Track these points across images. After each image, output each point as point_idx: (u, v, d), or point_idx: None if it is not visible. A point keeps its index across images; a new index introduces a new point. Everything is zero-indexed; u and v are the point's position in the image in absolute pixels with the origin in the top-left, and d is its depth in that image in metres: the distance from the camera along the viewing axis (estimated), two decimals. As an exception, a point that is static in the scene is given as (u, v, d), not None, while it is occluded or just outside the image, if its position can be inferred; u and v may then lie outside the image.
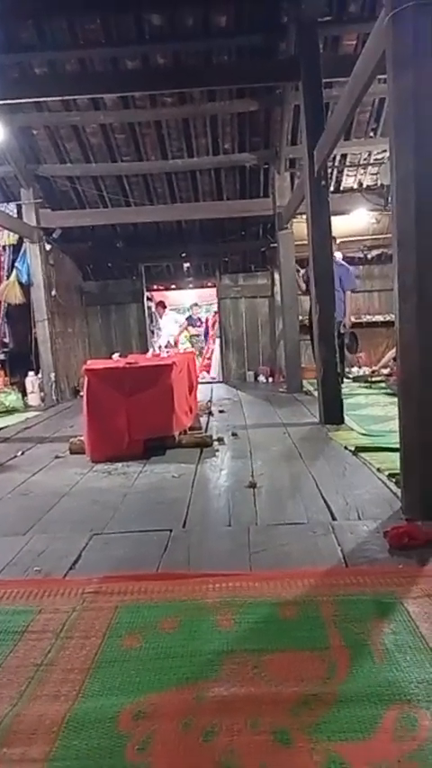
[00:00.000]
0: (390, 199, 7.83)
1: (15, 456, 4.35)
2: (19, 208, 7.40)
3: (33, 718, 1.34)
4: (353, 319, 8.88)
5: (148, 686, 1.44)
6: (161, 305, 10.89)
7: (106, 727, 1.30)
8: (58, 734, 1.28)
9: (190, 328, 11.47)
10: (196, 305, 12.20)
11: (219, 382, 9.62)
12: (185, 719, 1.30)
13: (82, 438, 4.22)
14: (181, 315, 11.99)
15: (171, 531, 2.53)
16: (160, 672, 1.50)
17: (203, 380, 9.00)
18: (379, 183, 7.58)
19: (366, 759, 1.15)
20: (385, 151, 7.26)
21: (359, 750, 1.18)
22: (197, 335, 11.64)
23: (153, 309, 11.26)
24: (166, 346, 9.44)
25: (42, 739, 1.27)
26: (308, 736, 1.23)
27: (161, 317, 10.85)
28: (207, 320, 11.53)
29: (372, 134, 7.04)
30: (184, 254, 9.51)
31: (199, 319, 11.84)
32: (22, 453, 4.44)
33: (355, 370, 8.30)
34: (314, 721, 1.27)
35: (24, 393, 7.50)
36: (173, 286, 11.31)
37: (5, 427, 5.78)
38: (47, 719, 1.33)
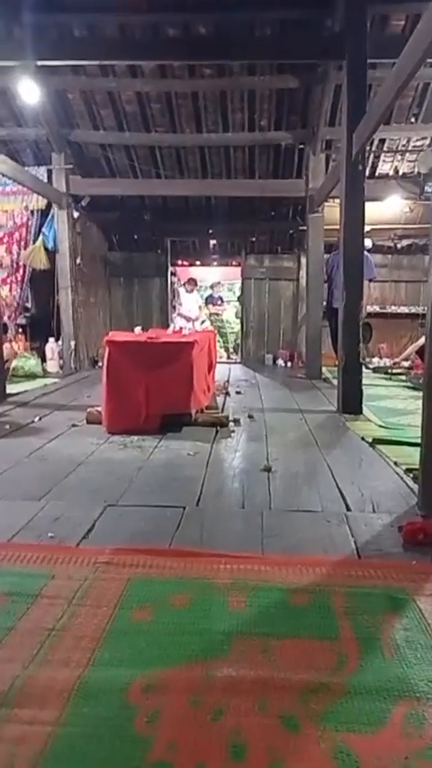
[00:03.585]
0: (427, 188, 7.63)
1: (33, 421, 4.39)
2: (49, 173, 7.36)
3: (44, 682, 1.36)
4: (376, 309, 8.81)
5: (157, 660, 1.45)
6: (192, 282, 10.08)
7: (116, 697, 1.31)
8: (69, 700, 1.30)
9: (210, 306, 11.35)
10: (219, 283, 12.07)
11: (236, 363, 9.57)
12: (194, 696, 1.31)
13: (99, 409, 4.24)
14: (201, 293, 11.74)
15: (185, 508, 2.53)
16: (170, 647, 1.51)
17: (221, 360, 8.92)
18: (416, 170, 7.39)
19: (374, 752, 1.15)
20: (425, 138, 7.07)
21: (367, 742, 1.18)
22: (217, 314, 11.54)
23: (178, 285, 11.03)
24: (188, 320, 9.25)
25: (53, 704, 1.29)
26: (315, 723, 1.23)
27: (190, 293, 10.18)
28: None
29: (413, 119, 6.84)
30: (211, 231, 9.39)
31: (220, 298, 11.72)
32: (40, 419, 4.48)
33: (375, 360, 8.22)
34: (322, 710, 1.27)
35: (44, 359, 7.55)
36: (197, 262, 11.15)
37: (24, 392, 5.83)
38: (57, 685, 1.35)
